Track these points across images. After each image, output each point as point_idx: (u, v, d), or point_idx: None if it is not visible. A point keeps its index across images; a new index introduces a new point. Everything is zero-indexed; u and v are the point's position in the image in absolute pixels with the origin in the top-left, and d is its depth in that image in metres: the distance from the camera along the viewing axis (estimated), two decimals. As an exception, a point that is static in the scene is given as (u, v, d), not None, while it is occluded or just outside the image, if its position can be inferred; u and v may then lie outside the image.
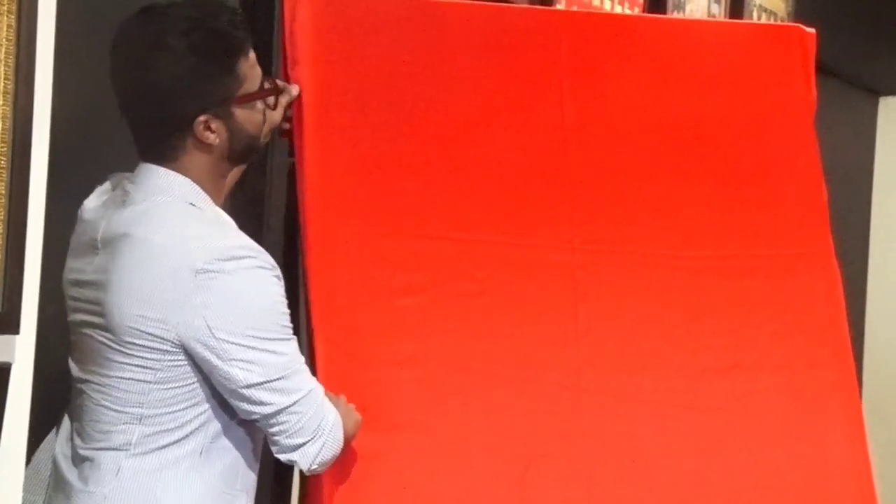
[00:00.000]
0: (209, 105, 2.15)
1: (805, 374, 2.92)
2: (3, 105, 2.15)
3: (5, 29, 2.15)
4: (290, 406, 2.12)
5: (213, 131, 2.16)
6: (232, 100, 2.18)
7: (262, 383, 2.09)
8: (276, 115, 2.32)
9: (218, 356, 2.08)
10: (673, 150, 2.96)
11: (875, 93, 6.06)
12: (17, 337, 2.19)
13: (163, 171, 2.17)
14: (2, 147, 2.15)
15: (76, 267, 2.31)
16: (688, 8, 4.14)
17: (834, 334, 2.99)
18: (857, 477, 2.88)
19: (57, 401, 2.12)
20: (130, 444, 2.16)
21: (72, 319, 2.31)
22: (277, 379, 2.11)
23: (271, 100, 2.29)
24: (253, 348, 2.09)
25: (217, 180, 2.23)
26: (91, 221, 2.31)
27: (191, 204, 2.15)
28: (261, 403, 2.10)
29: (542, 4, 3.61)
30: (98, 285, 2.20)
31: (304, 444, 2.14)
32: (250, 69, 2.23)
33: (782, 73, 3.10)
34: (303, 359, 2.21)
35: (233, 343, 2.07)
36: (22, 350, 2.20)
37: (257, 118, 2.24)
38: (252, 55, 2.25)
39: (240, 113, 2.20)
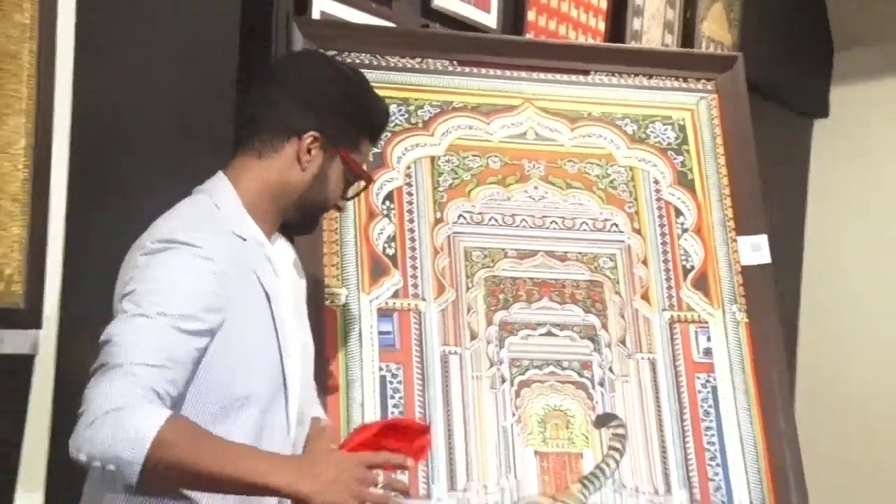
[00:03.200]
0: (327, 132, 2.08)
1: None
2: (26, 122, 2.19)
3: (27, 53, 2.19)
4: (93, 370, 1.79)
5: (311, 155, 2.07)
6: (341, 149, 2.12)
7: (100, 342, 1.82)
8: (344, 197, 2.24)
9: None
10: None
11: (810, 116, 6.09)
12: (39, 331, 2.21)
13: (222, 176, 2.08)
14: (25, 159, 2.18)
15: None
16: (644, 38, 4.18)
17: None
18: None
19: (77, 389, 2.12)
20: None
21: None
22: (105, 342, 1.80)
23: (358, 186, 2.22)
24: (120, 309, 1.85)
25: (274, 205, 2.10)
26: None
27: (214, 205, 2.03)
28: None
29: (512, 33, 3.62)
30: None
31: (79, 415, 1.74)
32: (366, 152, 2.23)
33: None
34: (156, 346, 1.79)
35: (121, 305, 1.86)
36: (44, 343, 2.23)
37: (340, 184, 2.16)
38: (372, 150, 2.26)
39: (336, 165, 2.13)
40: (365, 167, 2.24)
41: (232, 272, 1.95)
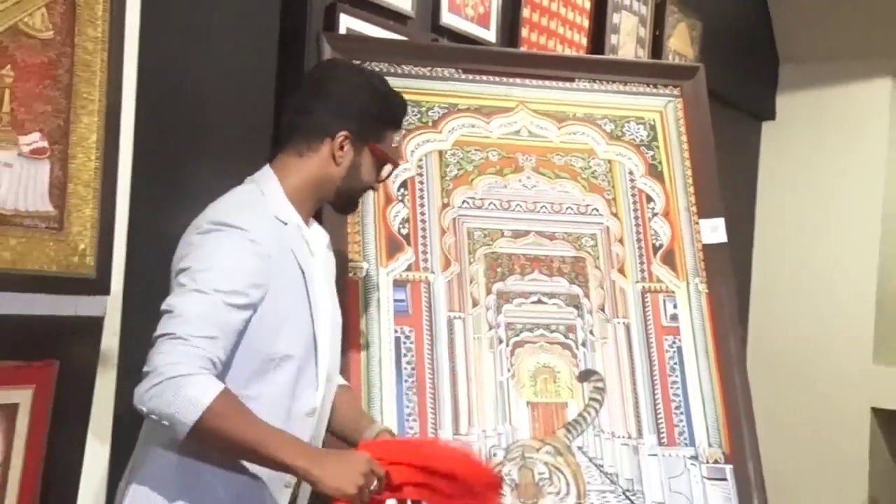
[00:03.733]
0: (355, 130, 2.08)
1: None
2: (98, 120, 2.19)
3: (99, 63, 2.19)
4: (157, 336, 1.81)
5: (343, 151, 2.08)
6: (369, 143, 2.11)
7: (160, 311, 1.84)
8: (379, 180, 2.21)
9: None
10: None
11: (759, 118, 6.09)
12: (107, 297, 2.22)
13: (269, 169, 2.08)
14: (97, 151, 2.18)
15: None
16: (620, 52, 4.18)
17: None
18: None
19: (138, 346, 2.12)
20: None
21: None
22: (166, 312, 1.83)
23: (387, 169, 2.20)
24: (178, 282, 1.87)
25: (314, 195, 2.11)
26: None
27: (261, 192, 2.03)
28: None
29: (508, 46, 3.61)
30: None
31: (144, 374, 1.78)
32: (392, 142, 2.20)
33: None
34: (208, 319, 1.82)
35: (177, 279, 1.89)
36: (111, 307, 2.24)
37: (372, 171, 2.15)
38: (396, 137, 2.25)
39: (367, 157, 2.12)
40: (391, 153, 2.23)
41: (273, 252, 1.96)
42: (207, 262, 1.88)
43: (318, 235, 2.16)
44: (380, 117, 2.13)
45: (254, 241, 1.92)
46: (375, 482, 1.88)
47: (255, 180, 2.08)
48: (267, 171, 2.08)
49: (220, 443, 1.82)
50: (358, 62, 2.74)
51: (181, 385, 1.75)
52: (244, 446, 1.82)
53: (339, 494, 1.82)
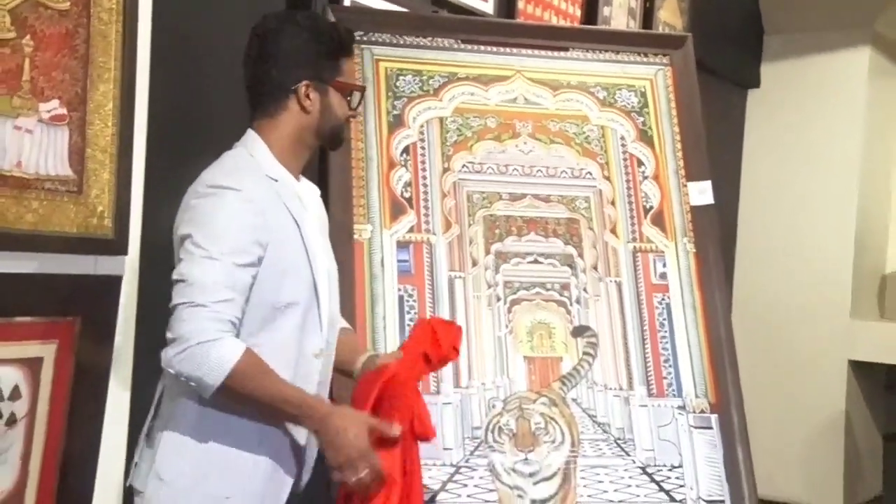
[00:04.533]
0: (313, 76, 2.04)
1: None
2: (114, 88, 2.17)
3: (114, 33, 2.17)
4: (177, 305, 1.82)
5: (310, 99, 2.04)
6: (331, 81, 2.07)
7: (173, 281, 1.85)
8: (352, 109, 2.17)
9: (178, 252, 1.91)
10: None
11: (745, 86, 6.07)
12: (125, 257, 2.22)
13: (252, 132, 2.07)
14: (113, 118, 2.17)
15: None
16: (612, 22, 4.15)
17: None
18: None
19: (154, 302, 2.12)
20: None
21: None
22: (181, 281, 1.84)
23: (357, 96, 2.15)
24: (185, 250, 1.87)
25: (299, 146, 2.08)
26: None
27: (250, 154, 2.02)
28: (171, 298, 1.86)
29: (505, 17, 3.58)
30: None
31: (171, 340, 1.81)
32: (349, 69, 2.14)
33: None
34: (223, 282, 1.84)
35: (181, 244, 1.89)
36: (128, 266, 2.24)
37: (343, 103, 2.10)
38: (352, 62, 2.20)
39: (333, 95, 2.07)
40: (353, 80, 2.20)
41: (269, 208, 1.96)
42: (211, 227, 1.88)
43: (308, 190, 2.14)
44: (327, 54, 2.08)
45: (250, 200, 1.92)
46: (367, 471, 1.92)
47: (242, 144, 2.07)
48: (251, 135, 2.07)
49: (242, 400, 1.87)
50: (362, 34, 2.74)
51: (208, 349, 1.79)
52: (264, 405, 1.89)
53: (335, 464, 1.91)
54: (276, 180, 2.02)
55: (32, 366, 2.05)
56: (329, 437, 1.91)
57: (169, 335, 1.82)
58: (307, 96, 2.05)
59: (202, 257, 1.84)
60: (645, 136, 3.07)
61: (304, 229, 2.03)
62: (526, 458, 2.63)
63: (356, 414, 2.00)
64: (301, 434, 2.02)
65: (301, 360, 2.00)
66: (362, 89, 2.19)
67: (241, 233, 1.89)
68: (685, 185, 3.04)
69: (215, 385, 1.80)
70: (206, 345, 1.79)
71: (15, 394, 2.03)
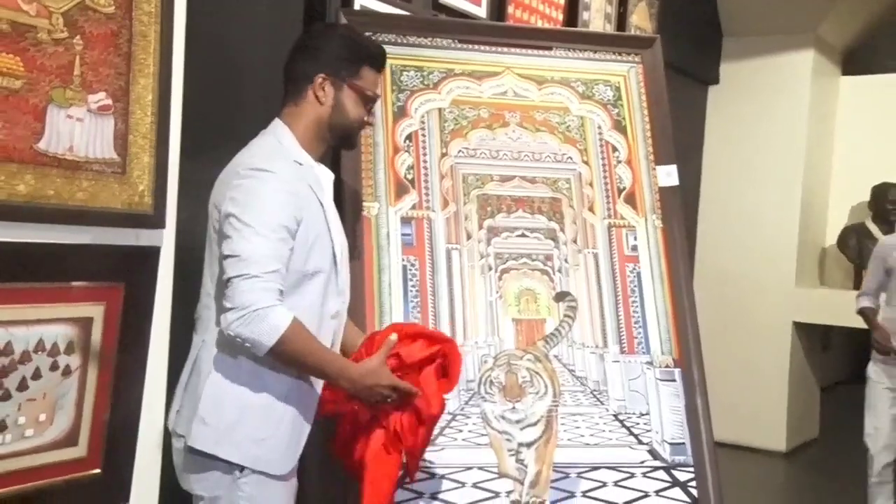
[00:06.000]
0: (331, 71, 2.04)
1: None
2: (153, 82, 2.16)
3: (153, 33, 2.16)
4: (234, 277, 1.83)
5: (324, 91, 2.04)
6: (346, 80, 2.07)
7: (225, 256, 1.86)
8: (369, 114, 2.15)
9: (223, 228, 1.90)
10: None
11: (706, 83, 6.07)
12: (163, 230, 2.21)
13: (277, 121, 2.08)
14: (152, 108, 2.16)
15: None
16: (590, 26, 4.13)
17: None
18: None
19: (189, 270, 2.12)
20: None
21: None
22: (234, 256, 1.84)
23: (374, 104, 2.15)
24: (233, 227, 1.87)
25: (317, 137, 2.07)
26: None
27: (278, 142, 2.02)
28: (223, 272, 1.86)
29: (496, 21, 3.57)
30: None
31: (229, 310, 1.83)
32: (372, 79, 2.12)
33: None
34: (270, 255, 1.86)
35: (228, 221, 1.88)
36: (166, 238, 2.23)
37: (358, 108, 2.09)
38: (379, 76, 2.15)
39: (347, 93, 2.07)
40: (373, 90, 2.15)
41: (299, 189, 1.97)
42: (255, 206, 1.88)
43: (325, 174, 2.14)
44: (350, 57, 2.08)
45: (286, 181, 1.93)
46: (393, 394, 2.04)
47: (269, 132, 2.07)
48: (278, 123, 2.07)
49: (288, 359, 1.91)
50: (370, 33, 2.71)
51: (263, 316, 1.82)
52: (307, 365, 1.94)
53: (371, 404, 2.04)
54: (301, 164, 2.02)
55: (84, 324, 2.05)
56: (357, 389, 1.99)
57: (228, 304, 1.83)
58: (322, 88, 2.05)
59: (250, 234, 1.86)
60: (619, 126, 3.05)
61: (325, 207, 2.04)
62: (513, 407, 2.64)
63: (372, 362, 2.04)
64: (318, 387, 2.05)
65: (322, 321, 2.02)
66: (374, 98, 2.15)
67: (281, 210, 1.90)
68: (654, 169, 3.02)
69: (269, 346, 1.83)
70: (262, 311, 1.82)
71: (69, 348, 2.03)
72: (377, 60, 2.14)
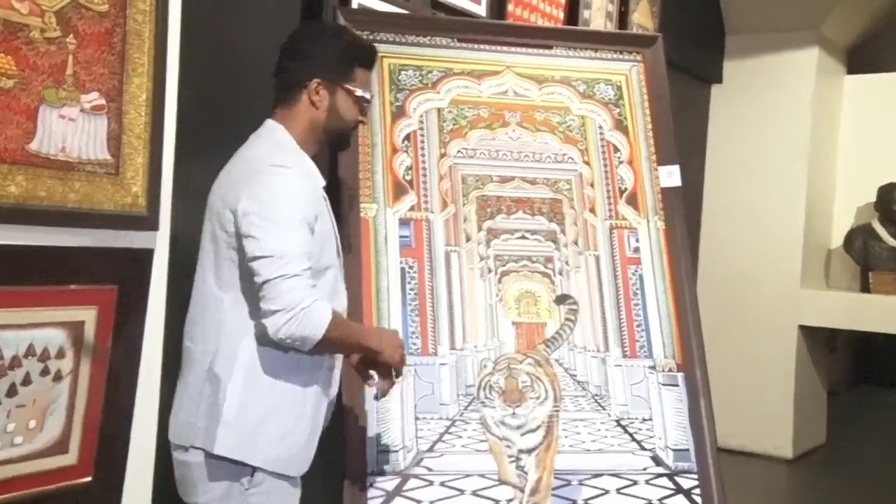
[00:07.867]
0: (325, 75, 2.04)
1: None
2: (147, 81, 2.16)
3: (147, 32, 2.16)
4: (273, 279, 1.85)
5: (319, 96, 2.04)
6: (340, 84, 2.06)
7: (257, 257, 1.87)
8: (363, 114, 2.15)
9: (242, 228, 1.90)
10: None
11: (709, 82, 6.06)
12: (157, 232, 2.21)
13: (272, 121, 2.07)
14: (146, 108, 2.16)
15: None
16: (591, 24, 4.13)
17: None
18: None
19: (182, 271, 2.12)
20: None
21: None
22: (267, 256, 1.86)
23: (366, 106, 2.15)
24: (257, 226, 1.87)
25: (311, 139, 2.07)
26: None
27: (276, 141, 2.03)
28: (256, 273, 1.87)
29: (496, 19, 3.57)
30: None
31: (275, 312, 1.85)
32: (364, 80, 2.12)
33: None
34: (303, 251, 1.89)
35: (249, 220, 1.88)
36: (160, 241, 2.23)
37: (352, 110, 2.10)
38: (370, 76, 2.15)
39: (341, 96, 2.07)
40: (365, 91, 2.13)
41: (317, 183, 2.03)
42: (278, 202, 1.90)
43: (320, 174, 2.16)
44: (343, 60, 2.08)
45: (301, 175, 1.97)
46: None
47: (265, 134, 2.06)
48: (274, 125, 2.07)
49: (329, 346, 1.97)
50: (368, 33, 2.72)
51: (308, 314, 1.86)
52: (346, 346, 2.06)
53: (391, 359, 2.09)
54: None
55: (76, 328, 2.04)
56: (384, 346, 2.07)
57: (272, 307, 1.85)
58: (317, 92, 2.06)
59: (281, 232, 1.88)
60: (620, 125, 3.06)
61: (328, 205, 2.07)
62: (514, 413, 2.64)
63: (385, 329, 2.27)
64: (334, 383, 2.11)
65: None
66: (367, 101, 2.14)
67: (305, 206, 1.93)
68: (656, 169, 3.03)
69: (317, 339, 1.89)
70: (308, 309, 1.86)
71: (60, 353, 2.02)
72: (368, 60, 2.15)
